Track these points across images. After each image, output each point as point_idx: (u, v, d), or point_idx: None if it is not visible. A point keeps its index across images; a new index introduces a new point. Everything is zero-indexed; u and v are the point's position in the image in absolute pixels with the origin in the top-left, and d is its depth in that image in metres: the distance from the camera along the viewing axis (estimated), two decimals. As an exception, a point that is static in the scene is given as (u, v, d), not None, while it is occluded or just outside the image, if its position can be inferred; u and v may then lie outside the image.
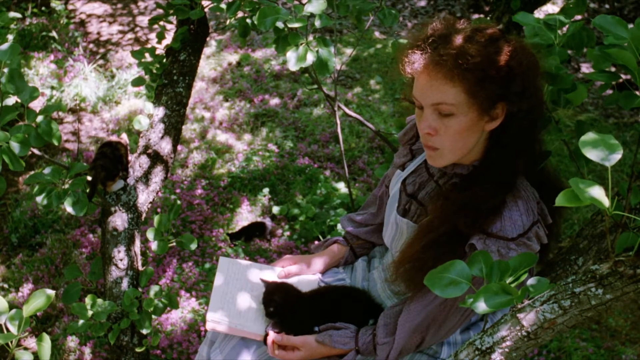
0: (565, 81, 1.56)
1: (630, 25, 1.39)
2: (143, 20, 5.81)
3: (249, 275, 1.99)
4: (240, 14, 2.28)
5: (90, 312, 2.07)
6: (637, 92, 1.41)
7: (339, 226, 3.42)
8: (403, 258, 1.68)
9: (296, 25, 1.94)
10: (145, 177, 2.28)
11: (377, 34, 5.60)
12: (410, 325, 1.66)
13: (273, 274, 2.00)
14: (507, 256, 1.51)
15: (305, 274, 2.02)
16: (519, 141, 1.55)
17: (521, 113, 1.51)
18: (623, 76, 1.52)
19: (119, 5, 6.05)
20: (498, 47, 1.47)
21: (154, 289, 2.17)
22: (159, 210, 3.59)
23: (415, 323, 1.65)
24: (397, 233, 1.81)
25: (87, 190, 2.08)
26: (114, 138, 2.22)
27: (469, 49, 1.46)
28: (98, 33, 5.62)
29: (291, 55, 1.99)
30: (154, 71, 2.45)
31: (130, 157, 2.29)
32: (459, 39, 1.48)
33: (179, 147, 4.06)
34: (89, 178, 2.10)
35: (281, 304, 1.84)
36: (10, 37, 4.67)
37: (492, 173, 1.56)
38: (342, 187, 3.73)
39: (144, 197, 2.26)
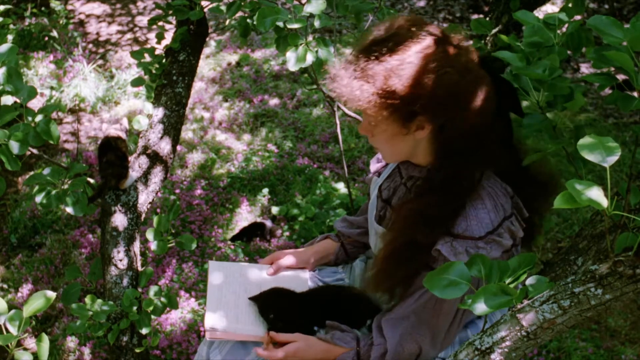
0: (558, 88, 1.54)
1: (627, 26, 1.38)
2: (142, 21, 5.81)
3: (240, 276, 1.98)
4: (240, 14, 2.28)
5: (89, 313, 2.06)
6: (635, 94, 1.41)
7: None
8: (373, 267, 1.69)
9: (296, 25, 1.94)
10: (145, 178, 2.28)
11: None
12: (393, 323, 1.65)
13: (263, 272, 1.99)
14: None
15: (296, 266, 2.01)
16: (463, 147, 1.52)
17: (450, 124, 1.49)
18: (621, 77, 1.51)
19: (118, 6, 6.05)
20: (405, 65, 1.44)
21: (154, 289, 2.17)
22: (158, 210, 3.59)
23: (399, 322, 1.64)
24: (378, 240, 1.80)
25: (92, 194, 2.08)
26: (112, 131, 2.20)
27: (374, 69, 1.45)
28: (97, 33, 5.62)
29: (291, 55, 1.99)
30: (153, 71, 2.45)
31: (130, 158, 2.29)
32: (370, 57, 1.47)
33: (179, 148, 4.06)
34: (90, 180, 2.10)
35: (280, 309, 1.84)
36: (9, 37, 4.67)
37: (445, 177, 1.54)
38: (341, 187, 3.73)
39: (144, 198, 2.26)
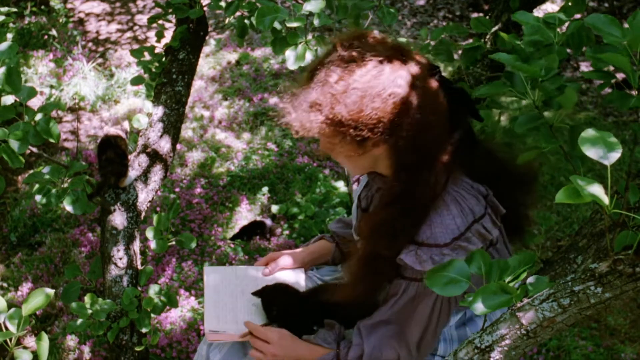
0: (548, 90, 1.53)
1: (627, 26, 1.38)
2: (142, 19, 5.81)
3: (236, 278, 1.98)
4: (238, 14, 2.28)
5: (89, 311, 2.07)
6: (633, 92, 1.41)
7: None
8: (346, 276, 1.70)
9: (295, 24, 1.94)
10: (145, 176, 2.28)
11: (376, 32, 5.60)
12: (371, 329, 1.65)
13: (258, 273, 1.99)
14: (441, 263, 1.50)
15: (290, 267, 2.01)
16: (419, 159, 1.50)
17: (403, 140, 1.47)
18: (621, 75, 1.51)
19: (118, 4, 6.05)
20: (350, 92, 1.42)
21: (154, 287, 2.17)
22: (158, 209, 3.59)
23: (377, 328, 1.65)
24: None
25: (91, 192, 2.08)
26: (112, 130, 2.21)
27: (320, 98, 1.44)
28: (97, 32, 5.62)
29: (290, 54, 1.99)
30: (153, 70, 2.45)
31: (130, 157, 2.29)
32: (316, 85, 1.47)
33: (178, 146, 4.06)
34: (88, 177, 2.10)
35: (284, 305, 1.83)
36: (9, 35, 4.67)
37: (404, 188, 1.53)
38: (341, 186, 3.73)
39: (143, 196, 2.26)
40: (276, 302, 1.85)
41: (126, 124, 2.28)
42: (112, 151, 2.15)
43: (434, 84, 1.51)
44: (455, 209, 1.52)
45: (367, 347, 1.64)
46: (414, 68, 1.47)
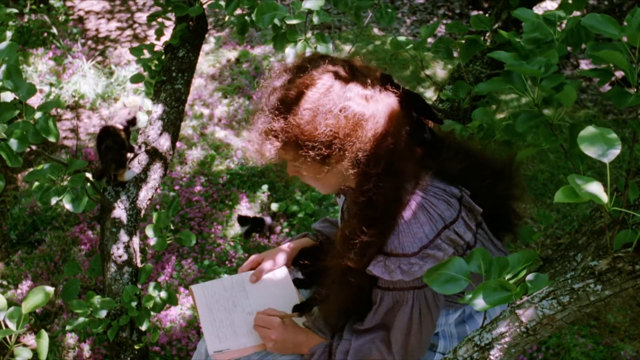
0: (548, 89, 1.53)
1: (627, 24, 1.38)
2: (141, 17, 5.81)
3: (225, 290, 1.97)
4: (238, 11, 2.27)
5: (89, 309, 2.07)
6: (632, 90, 1.41)
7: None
8: (324, 290, 1.72)
9: (294, 21, 1.94)
10: (144, 174, 2.28)
11: (375, 30, 5.60)
12: (361, 332, 1.67)
13: (246, 280, 1.99)
14: (410, 272, 1.50)
15: (277, 267, 2.00)
16: (380, 169, 1.49)
17: (362, 153, 1.46)
18: (620, 73, 1.51)
19: (117, 2, 6.04)
20: (303, 113, 1.44)
21: (153, 285, 2.17)
22: (157, 207, 3.59)
23: (366, 331, 1.66)
24: None
25: (97, 174, 2.11)
26: (110, 122, 2.25)
27: (275, 125, 1.46)
28: (97, 30, 5.62)
29: (289, 51, 1.99)
30: (153, 68, 2.45)
31: (133, 145, 2.31)
32: (270, 111, 1.49)
33: (178, 144, 4.06)
34: (88, 175, 2.10)
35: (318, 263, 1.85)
36: (9, 33, 4.66)
37: (368, 200, 1.52)
38: (341, 183, 3.73)
39: (143, 194, 2.26)
40: (305, 260, 1.88)
41: (134, 110, 2.29)
42: (111, 139, 2.18)
43: (386, 92, 1.51)
44: (423, 216, 1.51)
45: (355, 343, 1.66)
46: (363, 80, 1.48)
